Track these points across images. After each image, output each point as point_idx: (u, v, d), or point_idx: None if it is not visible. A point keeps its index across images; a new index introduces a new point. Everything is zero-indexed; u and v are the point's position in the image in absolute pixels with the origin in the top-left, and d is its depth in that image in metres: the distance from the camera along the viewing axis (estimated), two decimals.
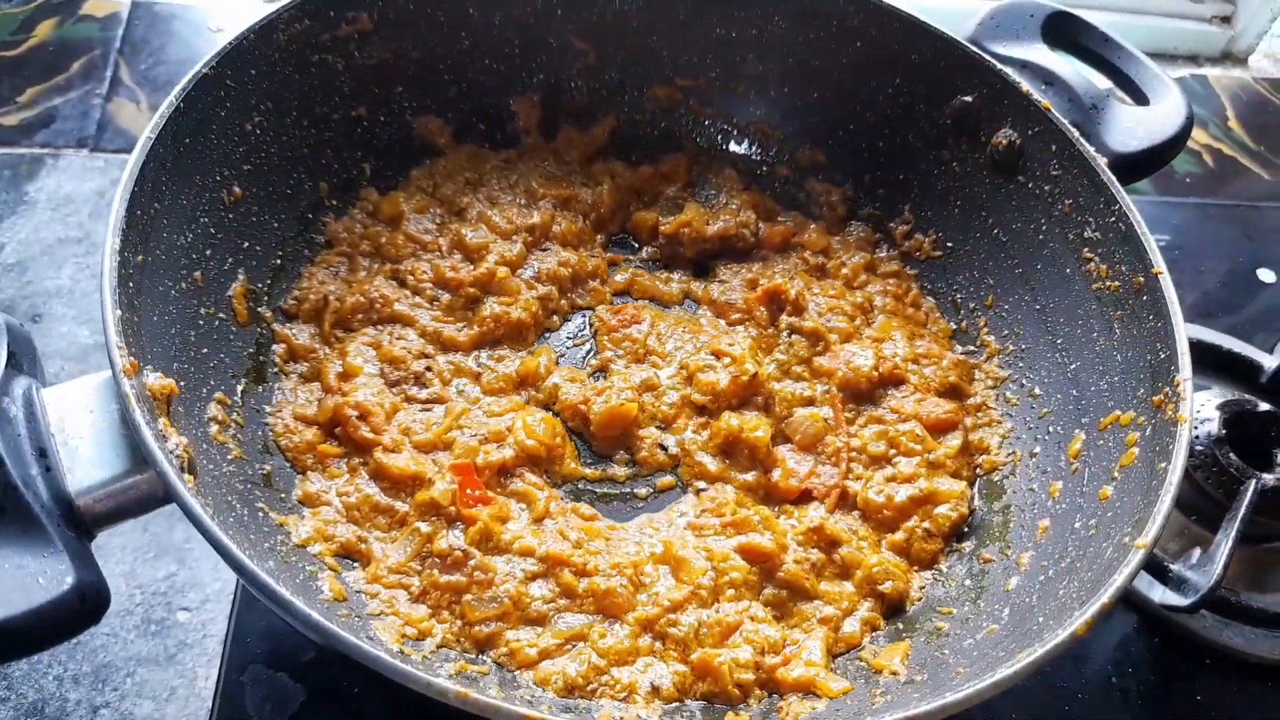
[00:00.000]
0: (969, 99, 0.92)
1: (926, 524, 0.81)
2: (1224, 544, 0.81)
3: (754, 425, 0.84)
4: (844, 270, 0.98)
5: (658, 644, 0.71)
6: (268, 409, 0.79)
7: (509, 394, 0.85)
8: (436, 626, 0.70)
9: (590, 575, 0.73)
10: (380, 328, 0.85)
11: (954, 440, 0.86)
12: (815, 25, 0.97)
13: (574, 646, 0.70)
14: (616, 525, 0.79)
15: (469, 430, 0.80)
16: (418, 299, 0.88)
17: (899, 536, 0.80)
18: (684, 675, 0.69)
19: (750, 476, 0.83)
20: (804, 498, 0.83)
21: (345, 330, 0.85)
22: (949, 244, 0.98)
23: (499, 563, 0.73)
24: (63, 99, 1.16)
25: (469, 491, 0.76)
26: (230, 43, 0.78)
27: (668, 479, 0.84)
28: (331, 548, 0.72)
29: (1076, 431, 0.81)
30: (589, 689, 0.68)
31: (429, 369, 0.84)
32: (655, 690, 0.68)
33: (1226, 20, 1.59)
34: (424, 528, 0.74)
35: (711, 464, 0.83)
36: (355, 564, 0.73)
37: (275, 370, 0.81)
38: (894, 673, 0.70)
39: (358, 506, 0.75)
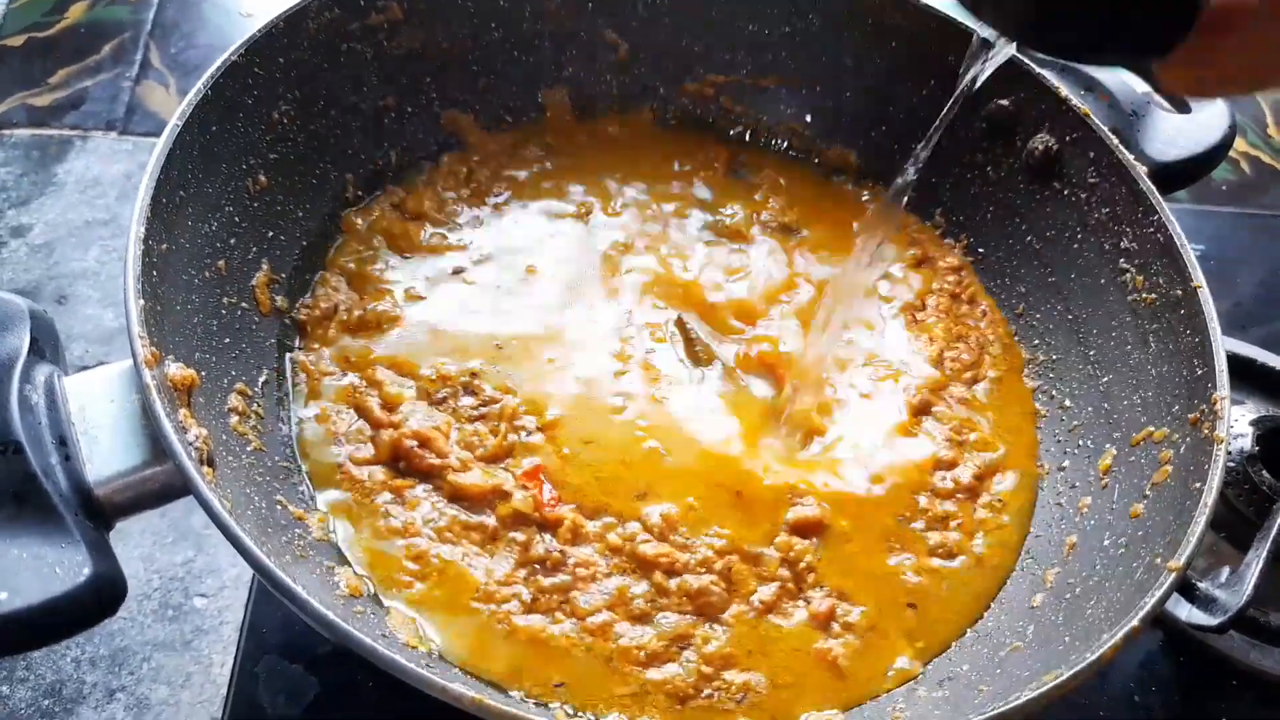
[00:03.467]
0: (1006, 103, 0.91)
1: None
2: (1255, 564, 0.79)
3: None
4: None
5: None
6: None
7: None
8: None
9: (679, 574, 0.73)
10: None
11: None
12: (851, 24, 0.95)
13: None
14: None
15: (525, 430, 0.79)
16: None
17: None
18: None
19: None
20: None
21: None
22: (980, 250, 0.96)
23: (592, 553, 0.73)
24: (93, 81, 1.17)
25: (546, 495, 0.75)
26: (259, 31, 0.77)
27: None
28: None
29: (1107, 446, 0.79)
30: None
31: (474, 375, 0.81)
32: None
33: None
34: (519, 537, 0.73)
35: None
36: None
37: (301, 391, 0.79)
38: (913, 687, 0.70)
39: (449, 529, 0.74)
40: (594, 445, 0.79)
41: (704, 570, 0.73)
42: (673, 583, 0.72)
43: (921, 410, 0.85)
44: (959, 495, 0.81)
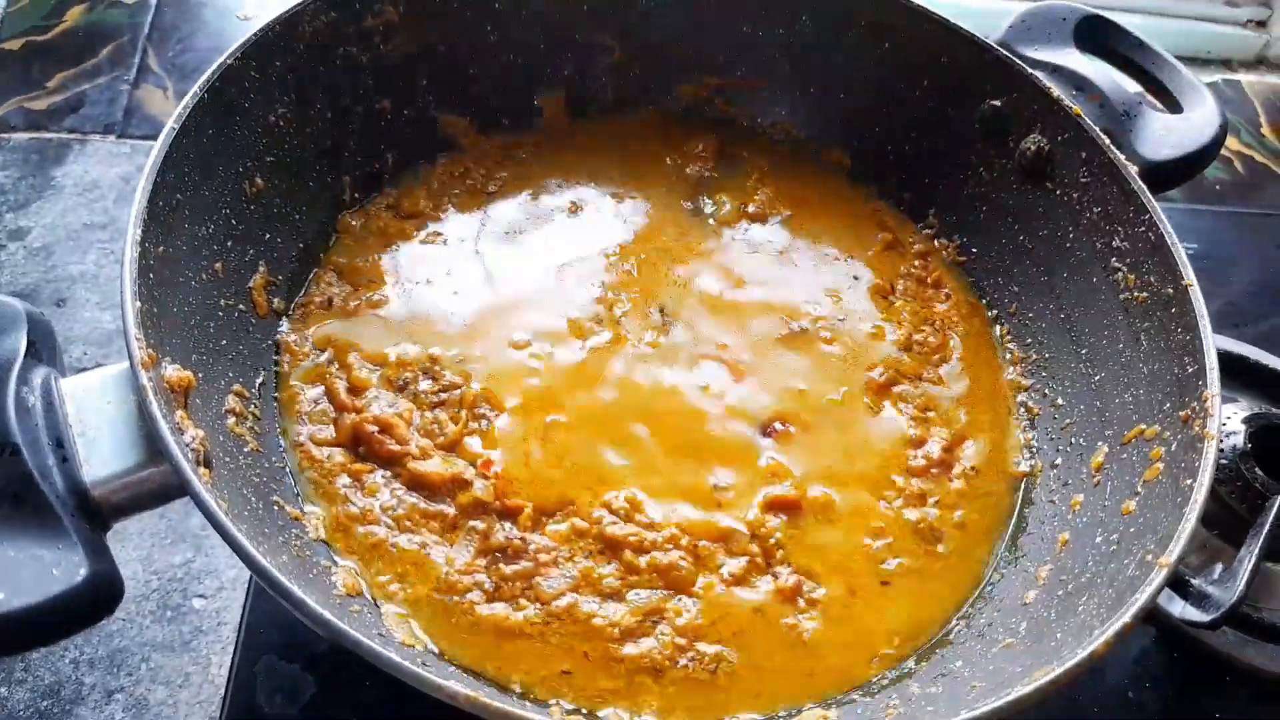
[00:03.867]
0: (998, 103, 0.91)
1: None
2: (1248, 560, 0.79)
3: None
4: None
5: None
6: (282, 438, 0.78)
7: None
8: None
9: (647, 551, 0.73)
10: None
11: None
12: (844, 26, 0.96)
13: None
14: None
15: (485, 419, 0.79)
16: None
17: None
18: None
19: None
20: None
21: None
22: (973, 249, 0.96)
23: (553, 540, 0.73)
24: (91, 85, 1.17)
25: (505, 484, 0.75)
26: (255, 34, 0.77)
27: None
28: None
29: (1099, 444, 0.80)
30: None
31: (434, 360, 0.82)
32: None
33: (1262, 25, 1.57)
34: (478, 525, 0.73)
35: None
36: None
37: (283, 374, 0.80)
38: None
39: (408, 517, 0.74)
40: (557, 436, 0.79)
41: (672, 546, 0.74)
42: (642, 560, 0.73)
43: (888, 389, 0.87)
44: (933, 470, 0.82)
